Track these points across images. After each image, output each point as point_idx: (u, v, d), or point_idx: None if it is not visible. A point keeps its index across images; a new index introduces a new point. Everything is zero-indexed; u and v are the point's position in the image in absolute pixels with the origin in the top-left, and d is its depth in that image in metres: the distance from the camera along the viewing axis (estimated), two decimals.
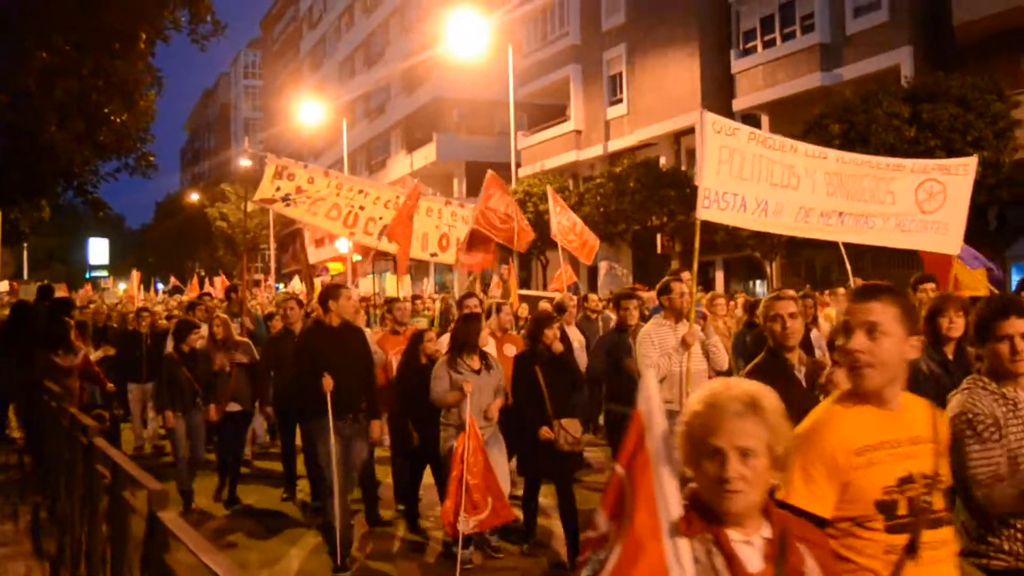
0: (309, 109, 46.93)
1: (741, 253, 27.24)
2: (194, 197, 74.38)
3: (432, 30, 38.96)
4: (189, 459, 10.23)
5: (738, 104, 29.32)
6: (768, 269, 26.35)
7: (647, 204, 28.02)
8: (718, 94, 29.94)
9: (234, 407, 10.33)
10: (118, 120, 14.43)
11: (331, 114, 49.49)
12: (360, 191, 12.84)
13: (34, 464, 10.55)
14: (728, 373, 8.84)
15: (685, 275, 9.36)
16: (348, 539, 8.11)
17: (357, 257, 51.81)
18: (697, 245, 7.84)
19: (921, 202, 8.45)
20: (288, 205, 12.44)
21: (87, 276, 72.24)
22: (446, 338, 8.99)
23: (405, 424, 8.87)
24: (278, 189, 12.12)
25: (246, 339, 11.23)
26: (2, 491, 10.38)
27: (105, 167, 16.85)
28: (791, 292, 6.52)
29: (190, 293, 28.34)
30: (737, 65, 29.38)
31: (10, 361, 11.73)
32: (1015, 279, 18.54)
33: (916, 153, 18.81)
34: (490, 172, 13.30)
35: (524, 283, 32.47)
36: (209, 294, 23.74)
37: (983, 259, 11.22)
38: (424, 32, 43.00)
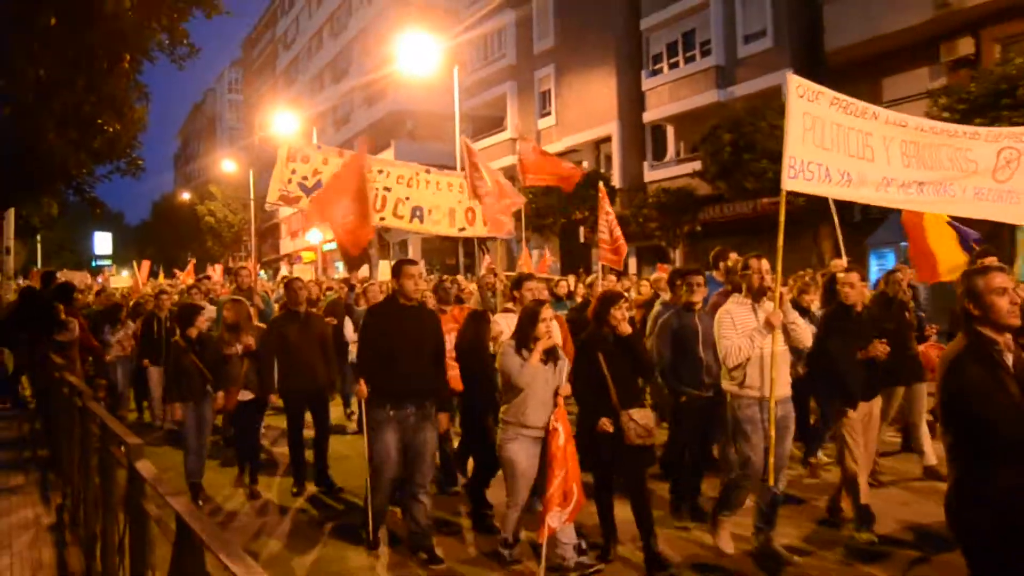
0: (284, 120, 46.35)
1: (650, 242, 27.54)
2: (185, 196, 73.36)
3: (390, 52, 38.66)
4: (198, 450, 8.44)
5: (648, 116, 29.60)
6: (673, 255, 26.66)
7: (572, 201, 28.12)
8: (631, 108, 30.19)
9: (246, 395, 8.55)
10: (111, 129, 14.22)
11: (304, 124, 48.97)
12: (380, 171, 10.80)
13: (43, 426, 10.41)
14: (797, 352, 7.15)
15: (732, 255, 8.08)
16: (381, 514, 6.69)
17: (328, 247, 51.48)
18: (782, 217, 6.47)
19: (996, 170, 7.43)
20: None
21: (92, 264, 70.97)
22: (507, 319, 7.25)
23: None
24: (294, 172, 10.30)
25: (262, 324, 9.44)
26: (16, 448, 10.33)
27: (100, 170, 16.80)
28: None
29: (186, 279, 27.27)
30: (647, 83, 29.61)
31: (23, 337, 11.96)
32: (873, 263, 18.97)
33: None
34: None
35: (468, 269, 32.49)
36: (208, 276, 22.27)
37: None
38: (383, 53, 42.66)
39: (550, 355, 6.13)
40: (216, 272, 30.81)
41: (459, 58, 34.79)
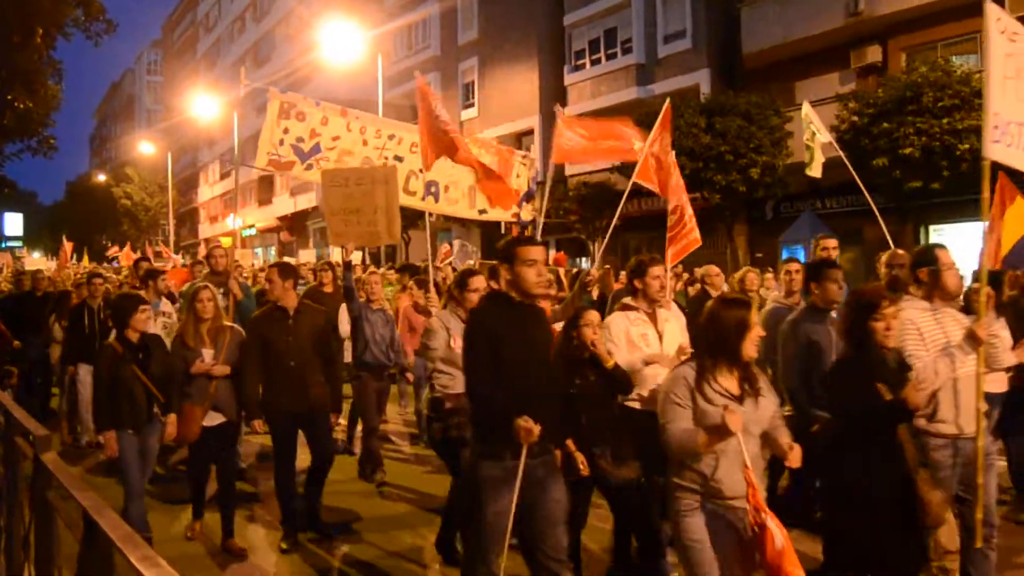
0: (204, 103, 45.22)
1: (570, 235, 27.64)
2: (101, 178, 71.25)
3: (314, 39, 38.05)
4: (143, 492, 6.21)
5: (569, 111, 29.65)
6: (592, 248, 26.80)
7: None
8: (553, 102, 30.06)
9: (216, 418, 6.32)
10: (21, 106, 13.47)
11: (225, 108, 47.87)
12: (391, 135, 8.81)
13: None
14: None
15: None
16: None
17: (247, 232, 50.44)
18: (986, 194, 4.69)
19: None
20: (310, 168, 8.39)
21: (2, 246, 68.35)
22: (624, 319, 5.50)
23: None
24: (286, 131, 8.31)
25: (233, 324, 6.87)
26: None
27: (9, 148, 16.07)
28: None
29: (125, 261, 24.92)
30: (569, 79, 29.70)
31: None
32: (785, 257, 19.33)
33: (709, 157, 19.45)
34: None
35: (389, 259, 32.18)
36: (154, 256, 18.85)
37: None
38: (306, 40, 41.96)
39: (749, 384, 3.94)
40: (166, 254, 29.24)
41: (383, 47, 34.40)
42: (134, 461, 6.03)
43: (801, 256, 18.59)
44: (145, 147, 55.79)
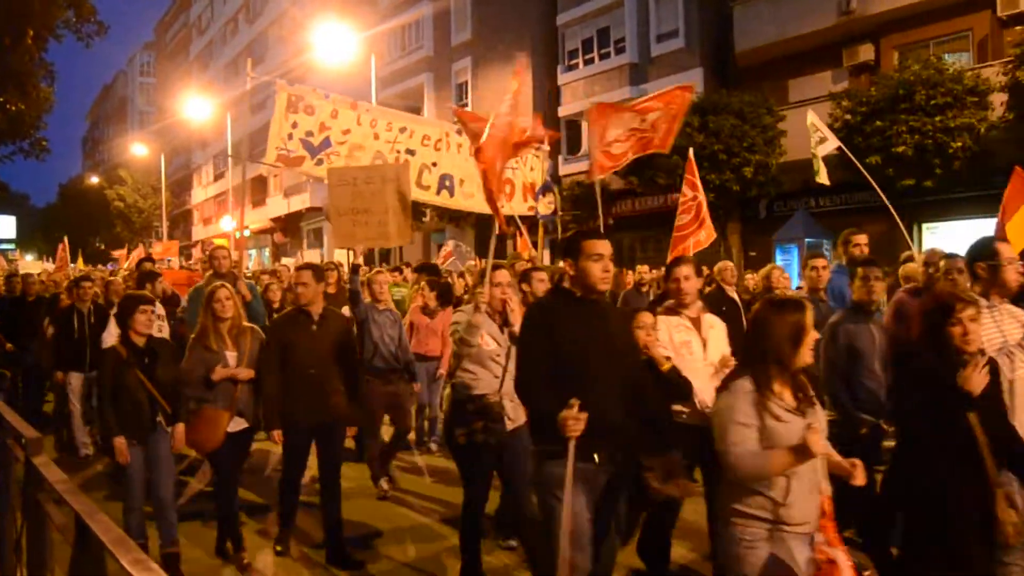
0: (197, 105, 45.11)
1: (565, 235, 27.64)
2: (94, 180, 71.15)
3: (307, 40, 38.01)
4: (159, 504, 5.81)
5: (563, 111, 29.68)
6: None
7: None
8: (547, 102, 30.19)
9: (240, 424, 6.05)
10: (14, 108, 13.36)
11: (218, 109, 47.78)
12: (402, 128, 8.60)
13: None
14: None
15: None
16: None
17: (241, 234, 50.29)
18: None
19: None
20: (320, 163, 8.05)
21: None
22: (666, 324, 5.15)
23: None
24: (295, 126, 7.97)
25: (251, 324, 6.49)
26: None
27: (1, 150, 15.98)
28: None
29: (124, 263, 24.15)
30: (563, 78, 29.73)
31: None
32: (779, 256, 19.34)
33: (703, 156, 19.46)
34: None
35: (384, 258, 32.12)
36: (150, 258, 18.43)
37: None
38: (299, 41, 41.90)
39: (803, 393, 3.53)
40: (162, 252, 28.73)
41: (376, 48, 34.40)
42: (138, 470, 5.75)
43: (795, 254, 18.59)
44: (138, 149, 55.68)
